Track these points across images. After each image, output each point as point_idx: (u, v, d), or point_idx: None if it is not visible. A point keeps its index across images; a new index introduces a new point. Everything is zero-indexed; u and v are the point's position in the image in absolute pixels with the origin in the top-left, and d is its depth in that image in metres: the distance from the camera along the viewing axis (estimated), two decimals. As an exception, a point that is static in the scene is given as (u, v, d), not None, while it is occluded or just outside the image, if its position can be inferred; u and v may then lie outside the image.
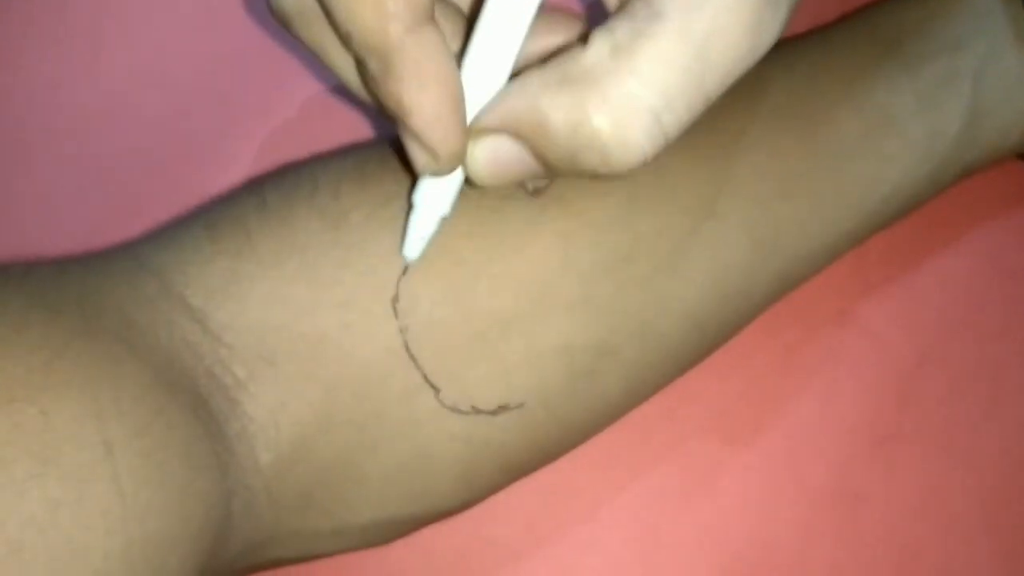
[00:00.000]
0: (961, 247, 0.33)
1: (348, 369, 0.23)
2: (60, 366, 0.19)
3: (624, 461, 0.30)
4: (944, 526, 0.30)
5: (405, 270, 0.23)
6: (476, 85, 0.21)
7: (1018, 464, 0.30)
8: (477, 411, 0.24)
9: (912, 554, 0.29)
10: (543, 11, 0.22)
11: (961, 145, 0.29)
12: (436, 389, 0.24)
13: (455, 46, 0.23)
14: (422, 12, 0.20)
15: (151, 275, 0.23)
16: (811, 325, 0.31)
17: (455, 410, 0.24)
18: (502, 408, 0.24)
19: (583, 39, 0.20)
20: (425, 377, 0.24)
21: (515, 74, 0.21)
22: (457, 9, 0.23)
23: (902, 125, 0.28)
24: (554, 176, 0.21)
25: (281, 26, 0.23)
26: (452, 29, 0.23)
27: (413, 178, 0.23)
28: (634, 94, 0.19)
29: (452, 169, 0.22)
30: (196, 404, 0.21)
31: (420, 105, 0.20)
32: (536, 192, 0.25)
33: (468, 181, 0.22)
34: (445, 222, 0.23)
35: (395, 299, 0.23)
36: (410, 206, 0.23)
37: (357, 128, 0.33)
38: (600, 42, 0.19)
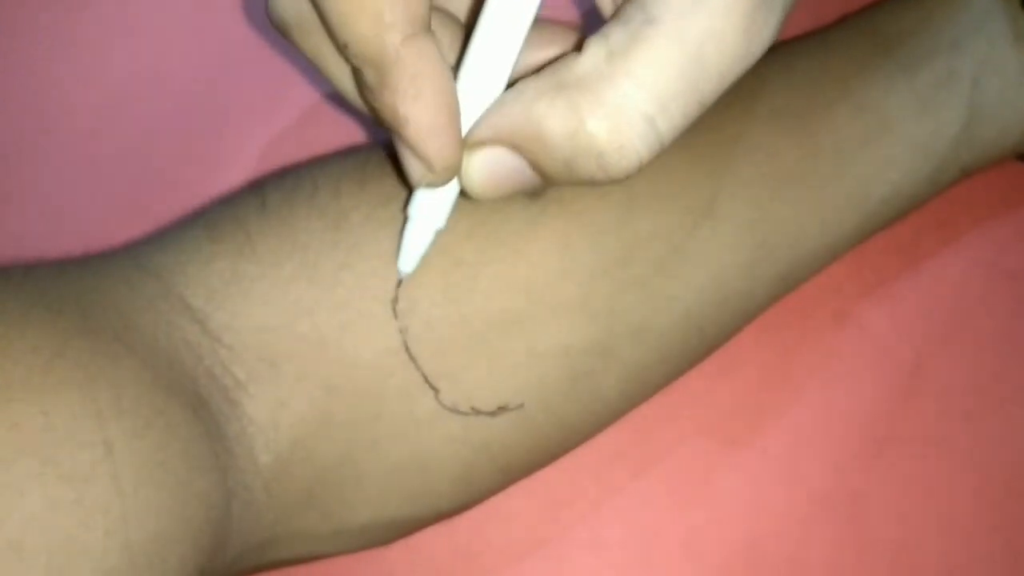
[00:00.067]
0: (960, 248, 0.33)
1: (348, 370, 0.23)
2: (60, 366, 0.19)
3: (623, 462, 0.30)
4: (942, 527, 0.30)
5: (400, 283, 0.23)
6: (472, 96, 0.21)
7: (1016, 465, 0.30)
8: (476, 412, 0.24)
9: (910, 555, 0.29)
10: (538, 23, 0.22)
11: (960, 146, 0.29)
12: (435, 390, 0.24)
13: (452, 56, 0.23)
14: (419, 23, 0.20)
15: (151, 276, 0.23)
16: (810, 326, 0.31)
17: (454, 411, 0.24)
18: (501, 409, 0.24)
19: (578, 47, 0.20)
20: (425, 378, 0.24)
21: (511, 85, 0.21)
22: (455, 19, 0.23)
23: (901, 126, 0.28)
24: (551, 185, 0.21)
25: (280, 34, 0.23)
26: (449, 39, 0.23)
27: (410, 187, 0.23)
28: (629, 99, 0.19)
29: (447, 180, 0.22)
30: (196, 405, 0.21)
31: (415, 116, 0.20)
32: (535, 194, 0.25)
33: (464, 193, 0.22)
34: (440, 235, 0.23)
35: (395, 300, 0.23)
36: (405, 218, 0.23)
37: (357, 133, 0.33)
38: (595, 48, 0.20)
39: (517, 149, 0.21)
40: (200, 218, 0.24)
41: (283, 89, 0.34)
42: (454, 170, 0.21)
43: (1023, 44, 0.29)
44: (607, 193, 0.25)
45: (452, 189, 0.22)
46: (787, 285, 0.29)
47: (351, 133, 0.33)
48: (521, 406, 0.24)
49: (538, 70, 0.21)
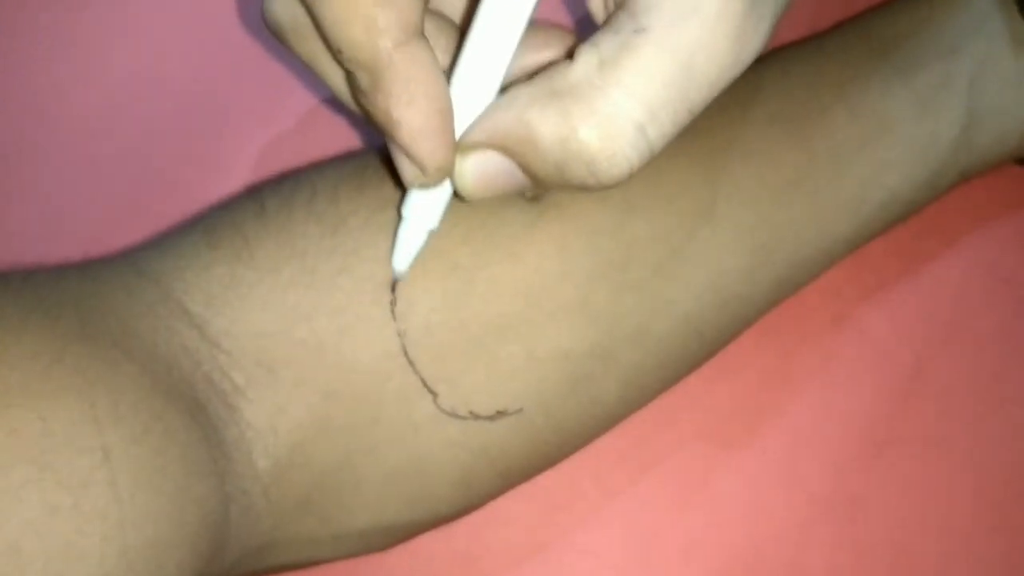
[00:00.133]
0: (959, 252, 0.33)
1: (346, 374, 0.23)
2: (58, 372, 0.19)
3: (622, 465, 0.30)
4: (942, 530, 0.30)
5: (394, 284, 0.23)
6: (465, 100, 0.21)
7: (1016, 468, 0.30)
8: (475, 416, 0.24)
9: (910, 558, 0.29)
10: (532, 27, 0.22)
11: (958, 150, 0.29)
12: (434, 394, 0.24)
13: (446, 59, 0.23)
14: (412, 28, 0.20)
15: (150, 281, 0.23)
16: (809, 330, 0.31)
17: (453, 415, 0.24)
18: (500, 413, 0.24)
19: (570, 54, 0.20)
20: (423, 382, 0.24)
21: (504, 89, 0.21)
22: (450, 22, 0.23)
23: (899, 130, 0.28)
24: (542, 189, 0.22)
25: (275, 39, 0.23)
26: (444, 42, 0.23)
27: (404, 188, 0.23)
28: (620, 108, 0.19)
29: (439, 182, 0.22)
30: (194, 410, 0.21)
31: (408, 119, 0.20)
32: (534, 197, 0.25)
33: (457, 195, 0.23)
34: (433, 235, 0.23)
35: (393, 304, 0.23)
36: (399, 219, 0.23)
37: (355, 137, 0.33)
38: (586, 56, 0.20)
39: (510, 153, 0.21)
40: (198, 224, 0.25)
41: (282, 92, 0.34)
42: (446, 172, 0.22)
43: (1021, 48, 0.29)
44: (605, 197, 0.25)
45: (445, 190, 0.23)
46: (786, 289, 0.29)
47: (349, 137, 0.33)
48: (520, 410, 0.24)
49: (533, 73, 0.21)
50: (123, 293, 0.22)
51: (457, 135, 0.22)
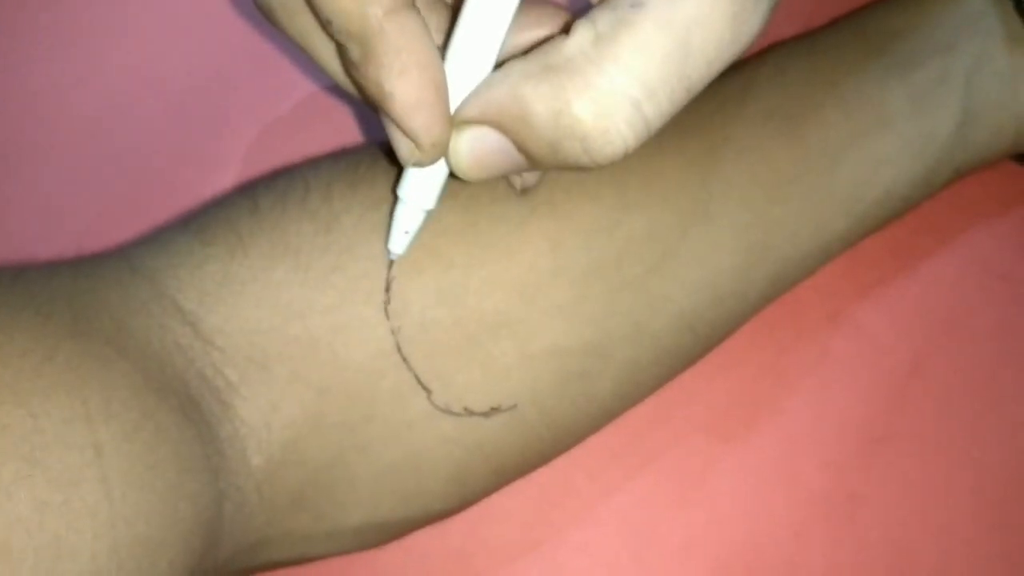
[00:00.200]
0: (955, 249, 0.33)
1: (340, 372, 0.23)
2: (50, 369, 0.19)
3: (617, 463, 0.30)
4: (939, 527, 0.30)
5: (391, 265, 0.23)
6: (460, 77, 0.21)
7: (1013, 465, 0.30)
8: (469, 413, 0.24)
9: (906, 555, 0.29)
10: (527, 5, 0.21)
11: (953, 147, 0.29)
12: (428, 391, 0.24)
13: (440, 37, 0.22)
14: None
15: (143, 278, 0.23)
16: (804, 327, 0.31)
17: (447, 412, 0.24)
18: (494, 410, 0.24)
19: (566, 29, 0.20)
20: (417, 379, 0.24)
21: (499, 66, 0.21)
22: (441, 3, 0.23)
23: (894, 127, 0.28)
24: (537, 168, 0.21)
25: (265, 17, 0.23)
26: (437, 20, 0.22)
27: (400, 170, 0.23)
28: (615, 83, 0.19)
29: (435, 159, 0.21)
30: (187, 407, 0.21)
31: (401, 91, 0.20)
32: (525, 191, 0.25)
33: (453, 175, 0.22)
34: (431, 216, 0.23)
35: (386, 302, 0.23)
36: (395, 199, 0.23)
37: (350, 131, 0.33)
38: (582, 32, 0.19)
39: (503, 130, 0.20)
40: (192, 221, 0.25)
41: (278, 90, 0.34)
42: (442, 147, 0.21)
43: (1015, 46, 0.29)
44: (599, 194, 0.25)
45: (441, 170, 0.22)
46: (781, 286, 0.29)
47: (345, 134, 0.33)
48: (514, 407, 0.24)
49: (526, 51, 0.21)
50: (116, 290, 0.22)
51: (451, 112, 0.21)
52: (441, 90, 0.21)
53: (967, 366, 0.31)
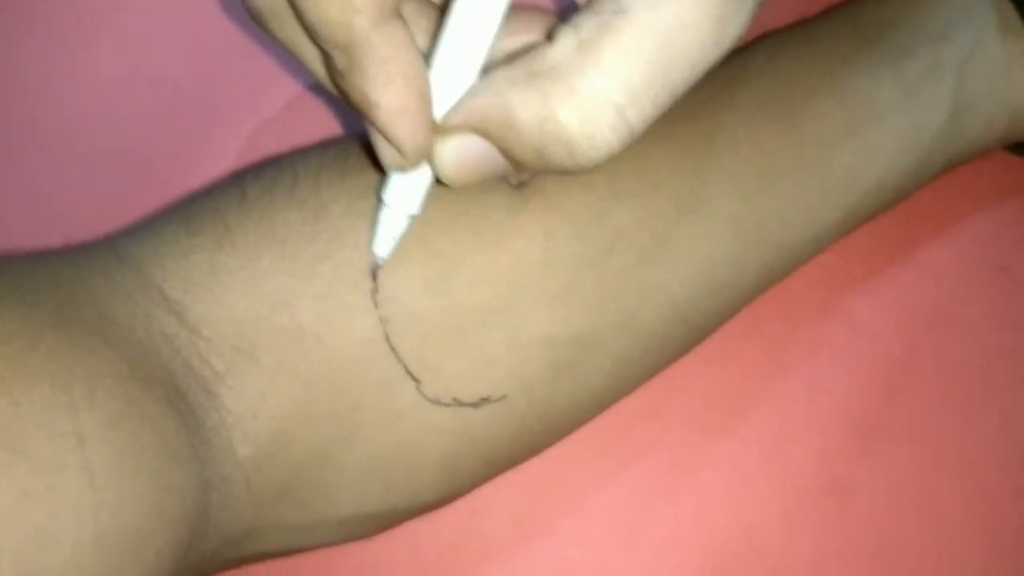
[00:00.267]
0: (947, 239, 0.33)
1: (327, 361, 0.23)
2: (33, 358, 0.19)
3: (609, 454, 0.30)
4: (930, 518, 0.30)
5: (375, 271, 0.23)
6: (445, 83, 0.21)
7: (1004, 457, 0.30)
8: (459, 403, 0.24)
9: (898, 546, 0.29)
10: (514, 11, 0.21)
11: (946, 137, 0.29)
12: (416, 381, 0.24)
13: (426, 42, 0.22)
14: (388, 7, 0.20)
15: (129, 268, 0.23)
16: (796, 317, 0.31)
17: (436, 402, 0.24)
18: (484, 400, 0.24)
19: (550, 36, 0.20)
20: (405, 369, 0.23)
21: (485, 73, 0.21)
22: (430, 5, 0.23)
23: (886, 117, 0.28)
24: (523, 174, 0.21)
25: (255, 23, 0.23)
26: (425, 25, 0.23)
27: (385, 173, 0.23)
28: (599, 88, 0.19)
29: (418, 164, 0.22)
30: (173, 396, 0.21)
31: (385, 100, 0.20)
32: (520, 184, 0.24)
33: (440, 181, 0.22)
34: (416, 221, 0.23)
35: (374, 291, 0.23)
36: (380, 204, 0.23)
37: (341, 125, 0.33)
38: (566, 38, 0.20)
39: (489, 136, 0.21)
40: (179, 211, 0.24)
41: (269, 85, 0.34)
42: (424, 154, 0.21)
43: (1009, 35, 0.29)
44: (590, 184, 0.25)
45: (426, 175, 0.22)
46: (773, 276, 0.29)
47: (335, 126, 0.32)
48: (504, 397, 0.24)
49: (511, 57, 0.21)
50: (102, 279, 0.22)
51: (438, 119, 0.21)
52: (425, 99, 0.21)
53: (959, 357, 0.31)
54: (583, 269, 0.25)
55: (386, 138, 0.21)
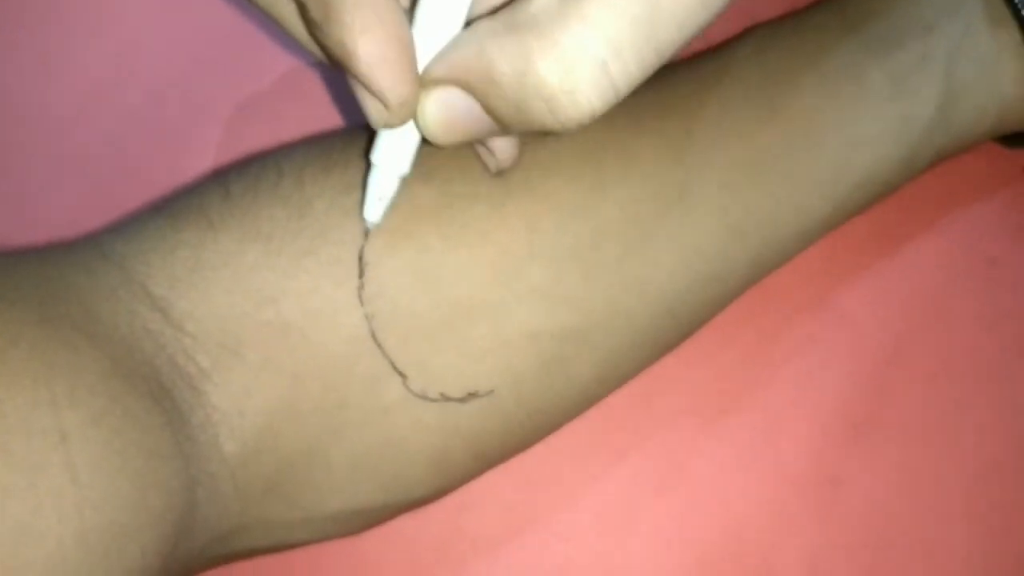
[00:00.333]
0: (937, 233, 0.32)
1: (313, 357, 0.23)
2: (14, 354, 0.19)
3: (600, 448, 0.30)
4: (921, 511, 0.30)
5: (367, 234, 0.23)
6: (429, 37, 0.21)
7: (994, 449, 0.30)
8: (446, 398, 0.24)
9: (889, 539, 0.29)
10: None
11: (935, 129, 0.29)
12: (403, 376, 0.24)
13: (407, 2, 0.22)
14: None
15: (112, 264, 0.23)
16: (786, 311, 0.31)
17: (423, 397, 0.24)
18: (471, 395, 0.24)
19: None
20: (392, 364, 0.23)
21: (467, 25, 0.21)
22: None
23: (875, 109, 0.28)
24: (506, 132, 0.21)
25: None
26: None
27: (372, 136, 0.22)
28: (581, 40, 0.18)
29: (404, 119, 0.21)
30: (157, 393, 0.21)
31: (364, 49, 0.19)
32: (500, 172, 0.24)
33: (427, 141, 0.22)
34: (405, 182, 0.23)
35: (360, 287, 0.23)
36: (368, 166, 0.22)
37: (328, 117, 0.33)
38: None
39: (470, 90, 0.20)
40: (163, 207, 0.24)
41: (253, 82, 0.33)
42: (410, 107, 0.21)
43: (998, 26, 0.29)
44: (576, 175, 0.25)
45: (413, 134, 0.22)
46: (761, 269, 0.29)
47: (320, 124, 0.32)
48: (491, 392, 0.24)
49: (495, 10, 0.20)
50: (85, 276, 0.22)
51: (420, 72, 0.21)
52: (406, 47, 0.20)
53: (949, 350, 0.31)
54: (568, 262, 0.25)
55: (369, 90, 0.20)
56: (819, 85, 0.28)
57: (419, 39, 0.21)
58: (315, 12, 0.20)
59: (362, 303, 0.23)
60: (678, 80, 0.28)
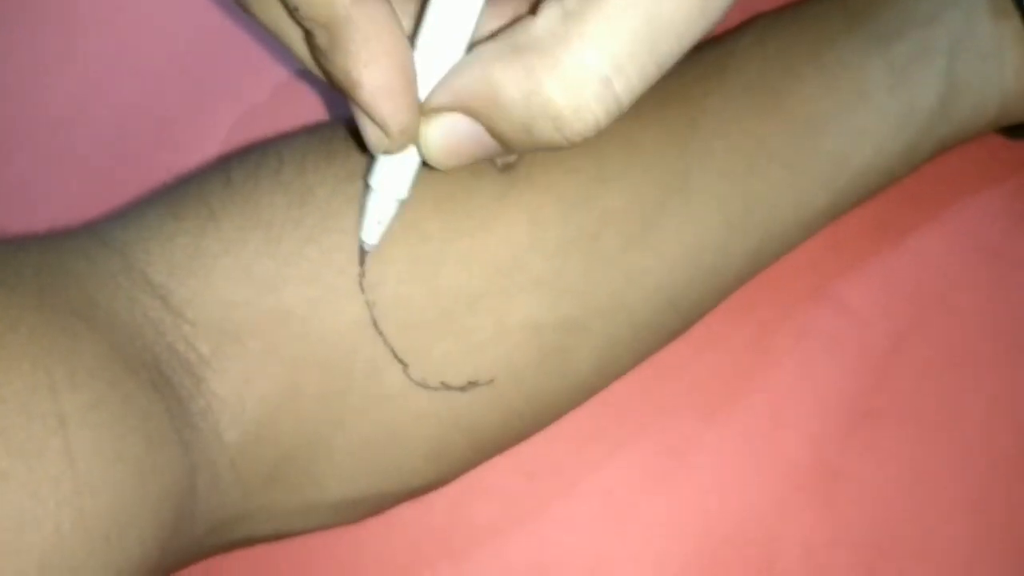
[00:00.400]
0: (938, 224, 0.32)
1: (314, 345, 0.23)
2: (13, 339, 0.19)
3: (599, 439, 0.30)
4: (921, 503, 0.30)
5: (363, 256, 0.23)
6: (430, 62, 0.21)
7: (995, 441, 0.30)
8: (446, 387, 0.24)
9: (889, 531, 0.29)
10: None
11: (936, 120, 0.29)
12: (404, 364, 0.24)
13: (410, 24, 0.22)
14: None
15: (112, 252, 0.23)
16: (787, 302, 0.31)
17: (423, 386, 0.24)
18: (471, 384, 0.24)
19: (534, 10, 0.20)
20: (393, 352, 0.23)
21: (470, 51, 0.21)
22: None
23: (876, 100, 0.28)
24: (510, 152, 0.21)
25: (237, 5, 0.23)
26: (409, 11, 0.22)
27: (372, 157, 0.22)
28: (584, 60, 0.19)
29: (404, 146, 0.21)
30: (157, 380, 0.21)
31: (368, 78, 0.20)
32: (506, 167, 0.24)
33: (427, 164, 0.22)
34: (404, 206, 0.23)
35: (361, 275, 0.23)
36: (366, 188, 0.23)
37: (327, 111, 0.33)
38: (550, 10, 0.19)
39: (475, 114, 0.20)
40: (164, 195, 0.24)
41: (254, 72, 0.33)
42: (411, 135, 0.21)
43: (1000, 17, 0.29)
44: (577, 167, 0.25)
45: (413, 158, 0.22)
46: (762, 260, 0.29)
47: (321, 113, 0.32)
48: (491, 381, 0.24)
49: (495, 33, 0.21)
50: (85, 263, 0.22)
51: (422, 99, 0.21)
52: (409, 77, 0.20)
53: (949, 342, 0.31)
54: (570, 253, 0.25)
55: (371, 118, 0.21)
56: (820, 75, 0.28)
57: (421, 64, 0.21)
58: (321, 39, 0.20)
59: (363, 291, 0.23)
60: (680, 70, 0.27)
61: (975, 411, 0.31)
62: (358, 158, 0.24)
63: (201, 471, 0.22)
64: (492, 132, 0.20)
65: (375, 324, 0.23)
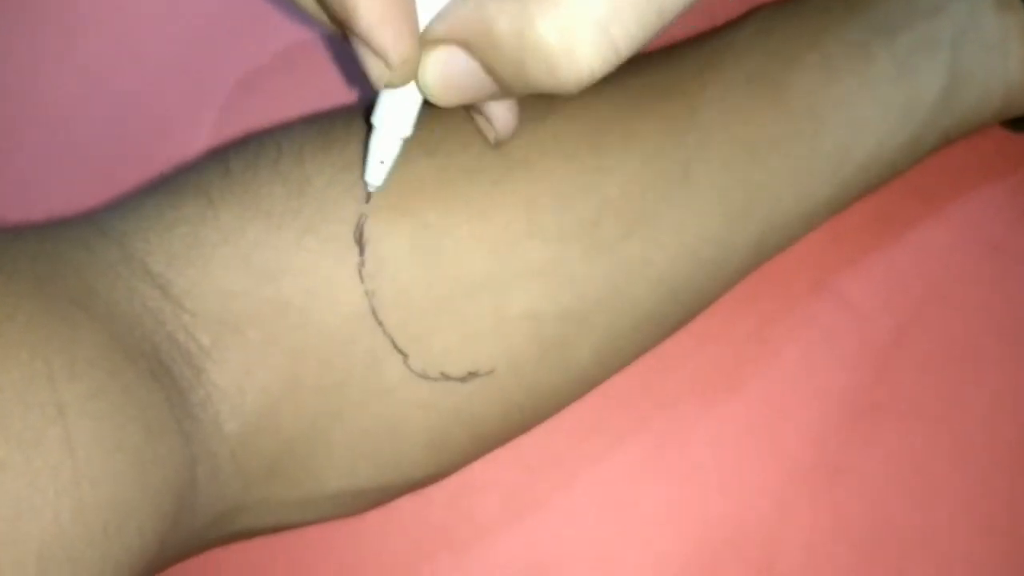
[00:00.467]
0: (941, 217, 0.32)
1: (313, 336, 0.23)
2: (11, 328, 0.19)
3: (600, 431, 0.30)
4: (921, 497, 0.30)
5: (368, 197, 0.23)
6: None
7: (996, 435, 0.30)
8: (446, 377, 0.24)
9: (889, 525, 0.29)
10: None
11: (940, 112, 0.29)
12: (404, 355, 0.23)
13: None
14: None
15: (111, 241, 0.22)
16: (788, 295, 0.31)
17: (423, 376, 0.24)
18: (471, 375, 0.24)
19: None
20: (392, 343, 0.23)
21: None
22: None
23: (879, 91, 0.28)
24: (508, 94, 0.21)
25: None
26: None
27: (373, 99, 0.22)
28: (580, 1, 0.18)
29: (406, 78, 0.21)
30: (157, 370, 0.21)
31: (365, 6, 0.19)
32: (499, 144, 0.24)
33: (428, 103, 0.22)
34: (406, 145, 0.22)
35: (360, 264, 0.23)
36: (369, 128, 0.22)
37: (326, 97, 0.32)
38: None
39: (471, 49, 0.20)
40: (162, 185, 0.24)
41: (252, 62, 0.33)
42: (412, 66, 0.20)
43: (1005, 10, 0.29)
44: (575, 154, 0.25)
45: (414, 94, 0.22)
46: (763, 252, 0.29)
47: (319, 104, 0.32)
48: (491, 372, 0.24)
49: None
50: (84, 252, 0.22)
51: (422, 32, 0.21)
52: (406, 5, 0.20)
53: (951, 336, 0.31)
54: (568, 242, 0.24)
55: (370, 49, 0.20)
56: (822, 66, 0.28)
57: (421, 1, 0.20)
58: None
59: (362, 280, 0.23)
60: (680, 60, 0.27)
61: (976, 405, 0.30)
62: (356, 148, 0.24)
63: (201, 462, 0.22)
64: (487, 69, 0.20)
65: (374, 314, 0.23)
